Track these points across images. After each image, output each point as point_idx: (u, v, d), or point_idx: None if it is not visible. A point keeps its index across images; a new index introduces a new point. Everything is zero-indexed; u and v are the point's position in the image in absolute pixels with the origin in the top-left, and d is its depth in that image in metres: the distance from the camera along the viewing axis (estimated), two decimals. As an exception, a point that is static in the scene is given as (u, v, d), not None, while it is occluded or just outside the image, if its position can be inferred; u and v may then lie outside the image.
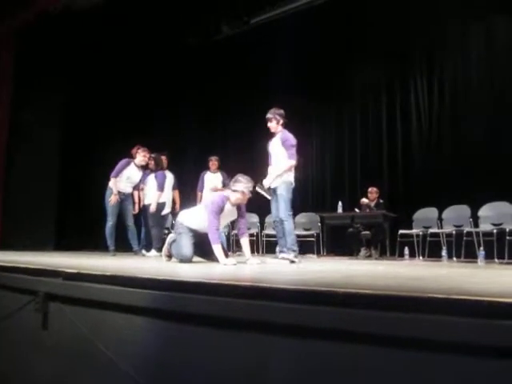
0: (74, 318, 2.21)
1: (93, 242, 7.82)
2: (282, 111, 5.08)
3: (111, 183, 6.17)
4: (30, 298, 2.41)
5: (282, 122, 5.02)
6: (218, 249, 4.02)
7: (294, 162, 4.86)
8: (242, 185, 4.21)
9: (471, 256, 5.81)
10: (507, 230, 5.74)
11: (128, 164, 6.29)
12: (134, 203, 6.52)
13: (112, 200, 6.11)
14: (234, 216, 4.43)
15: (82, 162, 8.22)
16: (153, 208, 6.42)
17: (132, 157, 6.37)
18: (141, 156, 6.34)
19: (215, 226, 4.08)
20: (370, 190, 7.17)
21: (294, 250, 4.70)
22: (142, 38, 8.06)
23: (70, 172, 8.27)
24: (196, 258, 4.39)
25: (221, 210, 4.16)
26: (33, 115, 7.73)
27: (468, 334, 1.29)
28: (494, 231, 5.81)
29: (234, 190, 4.24)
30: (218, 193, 4.63)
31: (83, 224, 8.25)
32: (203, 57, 8.95)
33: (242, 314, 1.61)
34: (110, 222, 6.15)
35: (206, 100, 9.46)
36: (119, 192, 6.20)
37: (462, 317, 1.30)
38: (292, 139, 4.92)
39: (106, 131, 8.46)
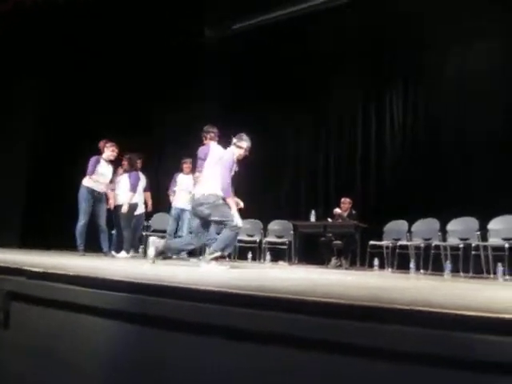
0: (38, 318, 2.16)
1: (61, 242, 7.63)
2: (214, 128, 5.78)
3: (85, 182, 6.06)
4: (-9, 296, 2.33)
5: (209, 136, 5.71)
6: (231, 202, 4.40)
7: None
8: (245, 143, 4.53)
9: (438, 269, 5.95)
10: (473, 244, 5.89)
11: (98, 161, 6.18)
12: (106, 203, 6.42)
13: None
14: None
15: (52, 160, 8.03)
16: (125, 209, 6.34)
17: (100, 152, 6.25)
18: (109, 151, 6.23)
19: (229, 181, 4.37)
20: (342, 200, 7.26)
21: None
22: (122, 35, 7.96)
23: (38, 170, 8.08)
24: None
25: (233, 164, 4.51)
26: (2, 112, 7.53)
27: (430, 345, 1.32)
28: (461, 245, 5.96)
29: (239, 147, 4.51)
30: (228, 150, 4.70)
31: (52, 223, 8.05)
32: (185, 58, 8.91)
33: (209, 319, 1.60)
34: (82, 221, 6.02)
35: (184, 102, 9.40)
36: (93, 191, 6.09)
37: (424, 328, 1.33)
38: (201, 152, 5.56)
39: (76, 129, 8.27)
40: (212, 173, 4.53)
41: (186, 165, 6.89)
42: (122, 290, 1.80)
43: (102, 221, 6.20)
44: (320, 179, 8.45)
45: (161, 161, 9.21)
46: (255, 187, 8.34)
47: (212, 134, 5.74)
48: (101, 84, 8.43)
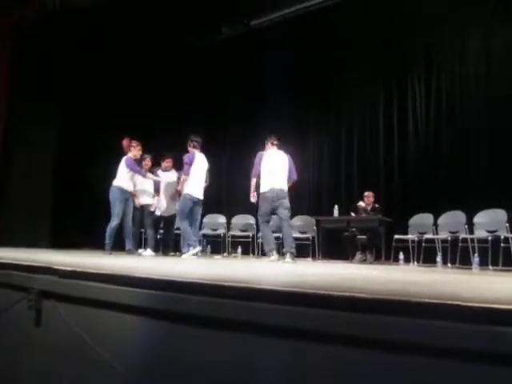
0: (68, 315, 2.21)
1: (88, 241, 7.79)
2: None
3: (117, 182, 6.12)
4: (23, 295, 2.40)
5: (192, 144, 6.20)
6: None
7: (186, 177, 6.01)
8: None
9: (466, 262, 5.83)
10: (502, 237, 5.76)
11: (134, 160, 6.27)
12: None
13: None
14: None
15: (78, 161, 8.19)
16: (153, 208, 6.51)
17: (124, 151, 6.31)
18: (136, 150, 6.30)
19: None
20: (366, 194, 7.19)
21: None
22: (142, 38, 8.06)
23: (65, 171, 8.23)
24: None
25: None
26: (30, 114, 7.71)
27: (460, 340, 1.30)
28: (489, 238, 5.83)
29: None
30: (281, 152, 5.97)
31: (79, 222, 8.23)
32: (204, 58, 8.95)
33: (237, 315, 1.61)
34: (115, 222, 6.07)
35: (208, 101, 9.44)
36: (125, 191, 6.17)
37: (453, 322, 1.31)
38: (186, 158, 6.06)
39: (102, 131, 8.42)
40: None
41: (168, 161, 6.93)
42: (151, 288, 1.83)
43: (130, 219, 6.28)
44: (342, 173, 8.39)
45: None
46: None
47: (195, 143, 6.20)
48: (125, 86, 8.55)
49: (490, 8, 6.74)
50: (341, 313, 1.43)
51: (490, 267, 5.63)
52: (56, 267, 2.32)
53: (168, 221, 6.81)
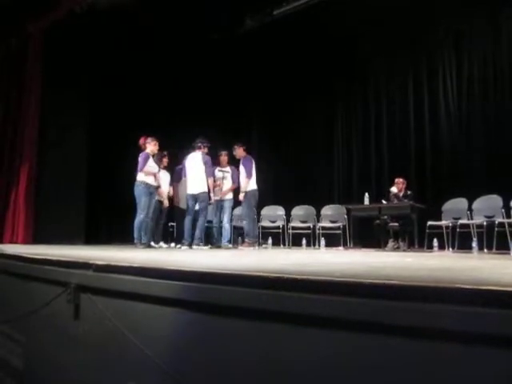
0: (105, 308, 2.26)
1: (122, 236, 7.96)
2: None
3: (140, 177, 6.25)
4: (61, 289, 2.48)
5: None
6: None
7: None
8: None
9: (503, 247, 5.66)
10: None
11: (148, 156, 6.38)
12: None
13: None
14: None
15: (110, 158, 8.37)
16: (166, 203, 6.91)
17: (142, 148, 6.44)
18: (152, 145, 6.43)
19: None
20: (396, 180, 7.08)
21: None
22: (166, 34, 8.12)
23: (98, 167, 8.42)
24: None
25: None
26: (61, 114, 7.90)
27: (497, 326, 1.26)
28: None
29: None
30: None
31: (112, 218, 8.44)
32: (227, 52, 8.94)
33: (270, 306, 1.62)
34: (142, 216, 6.21)
35: (231, 96, 9.45)
36: (150, 185, 6.29)
37: (490, 308, 1.28)
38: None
39: (130, 128, 8.52)
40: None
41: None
42: (182, 279, 1.85)
43: (151, 213, 6.41)
44: (373, 160, 8.27)
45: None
46: (307, 173, 8.30)
47: (199, 145, 6.66)
48: (152, 84, 8.65)
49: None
50: (373, 301, 1.42)
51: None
52: (91, 262, 2.38)
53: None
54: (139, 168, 6.28)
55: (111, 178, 8.31)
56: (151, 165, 6.36)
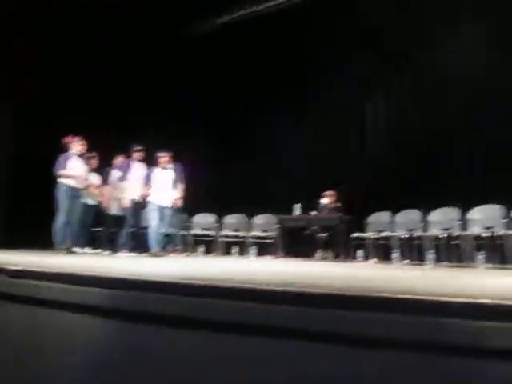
0: (18, 316, 2.13)
1: (44, 240, 7.52)
2: None
3: (62, 179, 5.98)
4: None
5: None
6: None
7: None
8: None
9: (421, 258, 6.03)
10: (455, 234, 5.98)
11: (67, 157, 6.10)
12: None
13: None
14: None
15: (32, 160, 7.86)
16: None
17: (66, 149, 6.19)
18: (79, 144, 6.19)
19: None
20: (327, 192, 7.30)
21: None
22: (132, 32, 7.91)
23: (20, 169, 7.90)
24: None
25: None
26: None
27: (414, 332, 1.33)
28: (443, 235, 6.05)
29: None
30: None
31: (35, 221, 7.93)
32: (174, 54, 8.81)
33: (194, 313, 1.60)
34: (62, 219, 5.95)
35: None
36: (73, 188, 6.02)
37: (408, 315, 1.34)
38: None
39: (56, 130, 8.10)
40: None
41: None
42: (101, 286, 1.78)
43: (75, 216, 6.15)
44: (304, 172, 8.45)
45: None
46: (239, 182, 8.33)
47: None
48: (77, 84, 8.29)
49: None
50: (295, 308, 1.44)
51: (444, 263, 5.84)
52: (3, 266, 2.23)
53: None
54: (57, 168, 5.98)
55: (36, 178, 7.81)
56: (73, 166, 6.08)
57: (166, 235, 6.67)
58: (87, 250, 6.43)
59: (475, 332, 1.26)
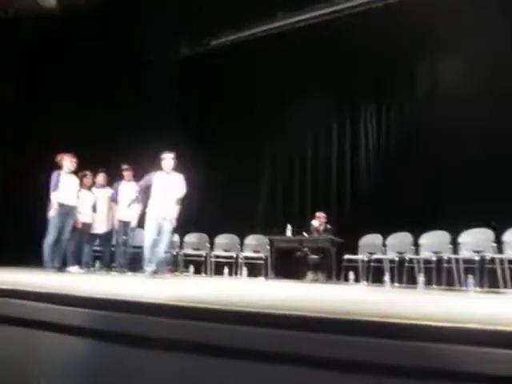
0: (7, 337, 2.09)
1: (35, 258, 7.42)
2: None
3: (52, 197, 5.96)
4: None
5: None
6: None
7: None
8: None
9: (412, 281, 6.04)
10: (445, 257, 6.01)
11: (59, 175, 6.10)
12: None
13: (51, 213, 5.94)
14: None
15: (25, 173, 7.82)
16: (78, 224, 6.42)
17: (58, 166, 6.18)
18: (68, 161, 6.17)
19: None
20: (317, 214, 7.32)
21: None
22: (103, 50, 7.94)
23: (11, 183, 7.84)
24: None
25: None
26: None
27: (402, 357, 1.33)
28: (434, 258, 6.07)
29: None
30: None
31: (24, 238, 7.82)
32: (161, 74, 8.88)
33: (179, 335, 1.59)
34: (51, 237, 5.91)
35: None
36: (63, 205, 5.99)
37: (395, 339, 1.34)
38: None
39: (46, 147, 8.07)
40: None
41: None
42: (92, 307, 1.76)
43: (67, 235, 6.10)
44: (296, 194, 8.50)
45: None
46: (231, 202, 8.34)
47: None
48: (74, 99, 8.30)
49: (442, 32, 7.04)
50: (284, 331, 1.43)
51: (435, 286, 5.85)
52: (-10, 285, 2.20)
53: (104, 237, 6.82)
54: (51, 187, 5.98)
55: (25, 195, 7.75)
56: (64, 184, 6.07)
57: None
58: (77, 268, 6.35)
59: (462, 357, 1.27)
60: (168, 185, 5.64)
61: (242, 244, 7.88)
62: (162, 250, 5.56)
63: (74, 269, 6.23)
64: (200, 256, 7.82)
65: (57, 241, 5.96)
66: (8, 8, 7.01)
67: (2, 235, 7.67)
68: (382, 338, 1.35)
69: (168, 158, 5.70)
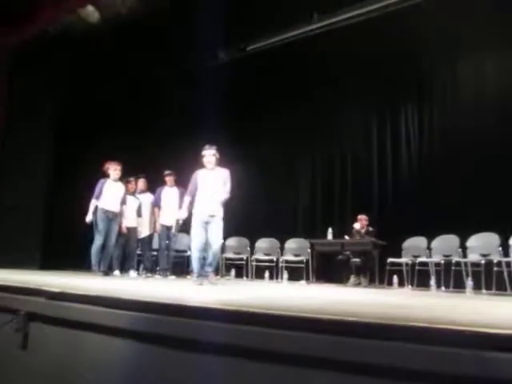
0: (55, 338, 2.17)
1: (82, 262, 7.68)
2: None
3: (98, 203, 6.20)
4: (10, 317, 2.36)
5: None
6: None
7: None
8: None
9: (459, 286, 5.81)
10: (494, 261, 5.76)
11: (105, 182, 6.32)
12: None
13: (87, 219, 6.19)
14: None
15: (70, 183, 8.12)
16: (124, 230, 6.54)
17: (105, 175, 6.40)
18: (112, 170, 6.38)
19: None
20: (359, 217, 7.20)
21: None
22: (136, 64, 8.15)
23: (57, 192, 8.16)
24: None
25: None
26: (24, 137, 7.73)
27: (451, 364, 1.28)
28: (482, 262, 5.83)
29: None
30: None
31: (72, 244, 8.13)
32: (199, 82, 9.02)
33: (225, 339, 1.59)
34: (98, 242, 6.10)
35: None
36: (107, 211, 6.19)
37: (443, 346, 1.30)
38: None
39: (92, 154, 8.34)
40: None
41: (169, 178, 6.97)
42: (138, 310, 1.80)
43: (112, 240, 6.27)
44: (336, 196, 8.41)
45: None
46: (272, 206, 8.35)
47: None
48: (118, 111, 8.58)
49: (483, 33, 6.84)
50: (328, 337, 1.42)
51: (484, 291, 5.61)
52: (43, 289, 2.29)
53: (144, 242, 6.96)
54: (94, 195, 6.23)
55: (71, 204, 8.05)
56: (109, 191, 6.29)
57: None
58: (117, 272, 6.52)
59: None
60: (211, 182, 5.15)
61: (282, 248, 7.87)
62: (216, 252, 5.06)
63: (117, 273, 6.42)
64: (241, 260, 7.85)
65: (103, 246, 6.15)
66: (51, 24, 7.25)
67: (55, 242, 8.01)
68: (422, 344, 1.31)
69: (208, 155, 5.21)
